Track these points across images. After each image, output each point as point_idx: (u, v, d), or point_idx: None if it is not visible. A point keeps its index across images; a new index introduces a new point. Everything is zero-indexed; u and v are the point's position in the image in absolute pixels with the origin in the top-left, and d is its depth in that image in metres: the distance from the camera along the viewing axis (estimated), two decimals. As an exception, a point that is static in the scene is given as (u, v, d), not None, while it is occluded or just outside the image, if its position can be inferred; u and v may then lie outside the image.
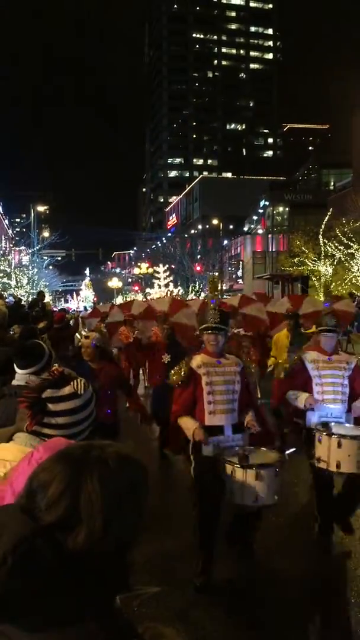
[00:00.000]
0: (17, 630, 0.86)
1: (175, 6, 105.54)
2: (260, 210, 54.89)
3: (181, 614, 3.28)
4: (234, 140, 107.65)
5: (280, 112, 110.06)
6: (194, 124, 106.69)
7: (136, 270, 62.31)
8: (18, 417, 1.82)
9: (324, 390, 4.38)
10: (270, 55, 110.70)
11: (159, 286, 47.97)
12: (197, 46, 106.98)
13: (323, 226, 30.08)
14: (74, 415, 1.74)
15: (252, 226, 58.19)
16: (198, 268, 51.49)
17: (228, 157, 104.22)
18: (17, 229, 44.20)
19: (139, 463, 1.03)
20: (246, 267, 51.79)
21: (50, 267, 47.74)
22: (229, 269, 55.80)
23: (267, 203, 52.78)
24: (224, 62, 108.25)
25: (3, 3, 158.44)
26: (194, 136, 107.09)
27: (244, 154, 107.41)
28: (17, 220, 47.68)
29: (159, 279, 49.05)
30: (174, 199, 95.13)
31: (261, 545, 4.07)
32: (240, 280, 53.48)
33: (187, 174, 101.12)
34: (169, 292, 42.49)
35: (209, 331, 3.95)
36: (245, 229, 59.58)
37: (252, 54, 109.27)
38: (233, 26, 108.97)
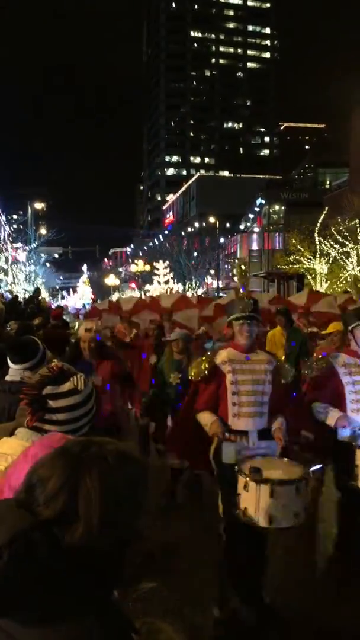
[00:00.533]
0: (15, 624, 0.86)
1: (174, 4, 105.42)
2: (257, 209, 54.99)
3: (177, 610, 3.27)
4: (231, 138, 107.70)
5: (277, 111, 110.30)
6: (192, 122, 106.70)
7: (133, 268, 62.33)
8: (18, 413, 1.83)
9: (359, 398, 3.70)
10: (267, 54, 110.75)
11: (159, 283, 47.22)
12: (195, 45, 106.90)
13: (319, 225, 30.22)
14: (74, 411, 1.74)
15: (249, 224, 58.30)
16: (194, 266, 51.62)
17: (225, 155, 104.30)
18: (15, 226, 44.20)
19: (139, 460, 1.05)
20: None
21: (47, 264, 47.75)
22: (225, 266, 55.93)
23: (263, 201, 52.89)
24: (221, 61, 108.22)
25: (2, 3, 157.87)
26: (192, 134, 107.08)
27: (241, 152, 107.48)
28: (15, 217, 47.68)
29: (158, 275, 48.31)
30: (171, 197, 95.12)
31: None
32: (236, 278, 53.57)
33: (185, 172, 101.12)
34: (168, 289, 41.98)
35: (241, 320, 3.47)
36: (242, 227, 59.70)
37: (249, 52, 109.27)
38: (231, 25, 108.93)
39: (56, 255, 49.10)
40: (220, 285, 45.90)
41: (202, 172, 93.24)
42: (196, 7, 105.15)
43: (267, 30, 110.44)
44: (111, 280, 62.13)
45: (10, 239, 40.15)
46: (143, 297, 28.12)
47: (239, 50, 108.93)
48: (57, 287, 62.92)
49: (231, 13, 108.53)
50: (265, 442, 3.43)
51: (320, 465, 3.72)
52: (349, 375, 3.69)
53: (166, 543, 4.04)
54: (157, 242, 62.94)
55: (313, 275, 30.41)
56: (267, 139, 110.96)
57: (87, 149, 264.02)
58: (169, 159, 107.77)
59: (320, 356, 4.05)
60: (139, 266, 56.81)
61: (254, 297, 3.83)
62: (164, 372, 5.54)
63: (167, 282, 47.61)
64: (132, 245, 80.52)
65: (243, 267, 4.16)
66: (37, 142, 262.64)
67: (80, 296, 63.50)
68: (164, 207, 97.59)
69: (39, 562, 0.86)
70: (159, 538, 4.02)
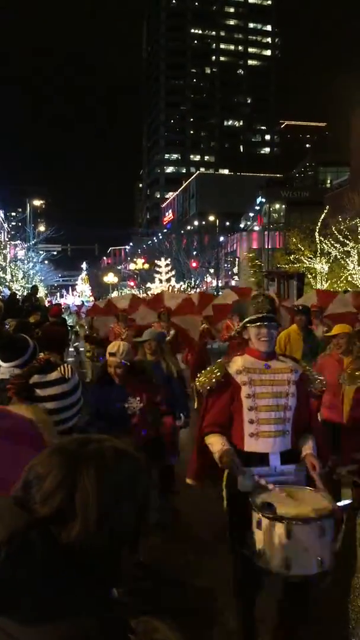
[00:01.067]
0: (13, 623, 0.86)
1: (174, 1, 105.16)
2: (257, 207, 54.94)
3: (174, 609, 3.23)
4: (231, 136, 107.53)
5: (278, 109, 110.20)
6: (192, 120, 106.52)
7: (132, 266, 62.23)
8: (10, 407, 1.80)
9: None
10: (268, 52, 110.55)
11: (160, 281, 46.39)
12: (196, 42, 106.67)
13: (319, 224, 30.12)
14: (63, 400, 1.75)
15: (249, 223, 58.25)
16: (194, 264, 51.50)
17: (225, 153, 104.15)
18: (13, 223, 44.06)
19: (137, 458, 1.02)
20: (242, 264, 51.84)
21: (46, 262, 47.61)
22: (225, 265, 55.84)
23: (263, 200, 52.81)
24: (222, 58, 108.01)
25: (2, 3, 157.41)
26: (192, 132, 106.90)
27: (241, 150, 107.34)
28: (13, 214, 47.52)
29: (159, 273, 47.38)
30: (170, 195, 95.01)
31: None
32: (236, 277, 53.54)
33: (184, 170, 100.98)
34: (170, 287, 41.39)
35: (259, 323, 2.96)
36: (242, 225, 59.64)
37: (250, 50, 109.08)
38: (231, 22, 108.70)
39: (54, 253, 48.94)
40: (220, 284, 45.79)
41: (202, 170, 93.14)
42: (196, 4, 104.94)
43: (268, 28, 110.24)
44: (110, 278, 62.04)
45: (9, 236, 40.01)
46: (144, 295, 27.96)
47: (240, 47, 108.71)
48: (56, 284, 62.79)
49: (232, 10, 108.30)
50: (289, 467, 2.90)
51: (349, 502, 3.16)
52: (248, 386, 2.96)
53: (164, 542, 3.99)
54: (156, 241, 62.85)
55: (313, 275, 30.31)
56: (267, 137, 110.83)
57: (86, 147, 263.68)
58: (168, 156, 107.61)
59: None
60: (137, 264, 56.69)
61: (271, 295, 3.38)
62: None
63: (168, 280, 46.76)
64: (130, 244, 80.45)
65: (257, 261, 3.64)
66: (36, 141, 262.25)
67: (79, 294, 63.45)
68: (163, 205, 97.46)
69: (36, 561, 0.86)
70: (157, 537, 3.98)
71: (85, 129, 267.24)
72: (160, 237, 62.97)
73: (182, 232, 61.09)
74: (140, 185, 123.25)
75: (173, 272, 48.42)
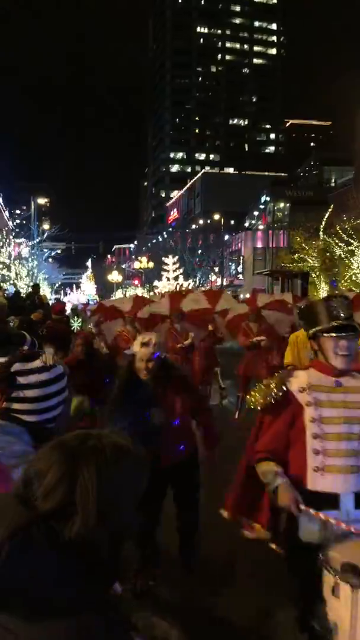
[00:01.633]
0: (15, 620, 0.86)
1: (180, 0, 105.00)
2: (261, 206, 54.86)
3: (174, 607, 3.23)
4: (236, 135, 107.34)
5: (283, 108, 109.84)
6: (197, 118, 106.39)
7: (136, 265, 62.21)
8: None
9: None
10: (274, 51, 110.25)
11: (168, 279, 45.58)
12: (201, 41, 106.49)
13: (324, 223, 30.05)
14: (44, 388, 1.75)
15: (253, 222, 58.15)
16: (198, 263, 51.43)
17: (230, 152, 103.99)
18: (17, 221, 44.14)
19: (136, 454, 1.02)
20: (246, 263, 51.76)
21: (50, 260, 47.68)
22: (229, 264, 55.77)
23: (268, 199, 52.74)
24: (227, 57, 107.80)
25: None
26: (197, 131, 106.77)
27: (246, 149, 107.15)
28: (18, 212, 47.59)
29: (167, 271, 46.56)
30: (175, 194, 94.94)
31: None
32: (240, 276, 53.47)
33: (189, 169, 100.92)
34: (178, 286, 40.66)
35: (337, 333, 2.36)
36: (246, 224, 59.54)
37: (255, 49, 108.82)
38: (237, 21, 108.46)
39: (59, 251, 48.99)
40: (225, 283, 45.72)
41: (207, 168, 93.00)
42: (202, 2, 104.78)
43: (274, 27, 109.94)
44: (114, 276, 62.03)
45: (13, 234, 40.06)
46: (151, 294, 27.80)
47: (245, 46, 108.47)
48: (60, 282, 62.86)
49: (237, 9, 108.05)
50: None
51: None
52: (313, 407, 2.39)
53: (164, 540, 3.88)
54: (160, 239, 62.81)
55: (317, 274, 30.25)
56: (272, 135, 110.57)
57: (91, 146, 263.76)
58: (173, 155, 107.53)
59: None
60: (142, 263, 56.62)
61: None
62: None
63: (176, 279, 45.73)
64: (135, 242, 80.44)
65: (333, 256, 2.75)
66: (41, 140, 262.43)
67: (84, 292, 63.40)
68: (168, 204, 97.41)
69: (39, 557, 0.86)
70: (157, 535, 3.89)
71: (90, 127, 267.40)
72: (165, 235, 62.94)
73: (187, 230, 61.02)
74: (145, 183, 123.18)
75: (181, 270, 47.71)
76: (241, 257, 54.93)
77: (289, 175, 69.74)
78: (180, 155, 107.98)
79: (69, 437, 1.02)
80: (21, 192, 51.88)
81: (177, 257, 48.61)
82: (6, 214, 39.54)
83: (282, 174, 71.46)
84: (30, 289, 18.84)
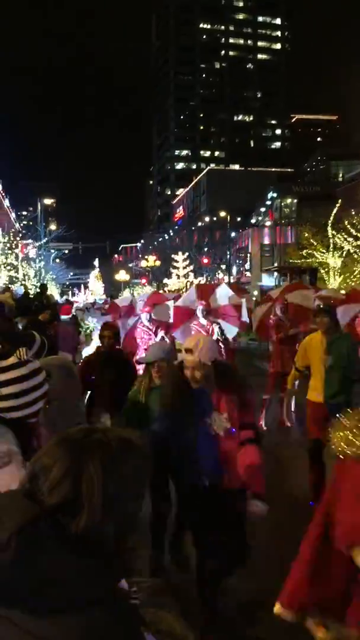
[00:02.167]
0: (24, 615, 0.86)
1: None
2: (268, 202, 54.52)
3: (181, 601, 3.16)
4: (241, 131, 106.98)
5: (288, 103, 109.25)
6: (201, 115, 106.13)
7: (143, 263, 62.13)
8: None
9: None
10: (278, 46, 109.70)
11: (178, 276, 44.90)
12: (205, 36, 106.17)
13: (332, 218, 29.77)
14: (21, 383, 1.77)
15: (260, 218, 57.86)
16: (205, 260, 51.23)
17: (235, 148, 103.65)
18: (24, 222, 44.21)
19: (142, 448, 1.02)
20: (254, 260, 51.52)
21: (57, 260, 47.73)
22: (237, 261, 55.53)
23: (274, 195, 52.41)
24: (231, 53, 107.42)
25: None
26: (201, 128, 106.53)
27: (252, 145, 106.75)
28: (24, 213, 47.66)
29: (177, 268, 45.84)
30: (181, 192, 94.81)
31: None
32: (247, 273, 53.25)
33: (194, 166, 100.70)
34: (189, 283, 40.15)
35: None
36: (253, 221, 59.27)
37: (259, 44, 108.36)
38: (241, 16, 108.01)
39: (66, 251, 49.01)
40: (232, 281, 45.50)
41: (212, 165, 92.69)
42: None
43: (278, 21, 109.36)
44: (122, 275, 61.99)
45: (20, 235, 40.10)
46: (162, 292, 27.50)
47: (249, 41, 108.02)
48: (67, 282, 62.91)
49: (241, 4, 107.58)
50: None
51: None
52: None
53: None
54: (167, 237, 62.70)
55: (326, 270, 29.97)
56: (278, 131, 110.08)
57: (96, 145, 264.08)
58: (178, 152, 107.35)
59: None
60: (149, 261, 56.53)
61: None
62: (139, 405, 3.67)
63: (186, 276, 44.93)
64: (142, 241, 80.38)
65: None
66: (42, 140, 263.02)
67: (92, 291, 63.38)
68: (174, 202, 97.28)
69: (46, 552, 0.87)
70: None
71: (94, 126, 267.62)
72: (172, 233, 62.85)
73: (193, 228, 60.86)
74: (151, 182, 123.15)
75: (192, 267, 47.01)
76: (248, 254, 54.68)
77: (295, 170, 69.34)
78: (185, 152, 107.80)
79: (74, 431, 1.01)
80: (26, 193, 51.98)
81: (187, 253, 48.21)
82: (13, 215, 39.60)
83: (289, 170, 71.06)
84: (37, 290, 18.79)
